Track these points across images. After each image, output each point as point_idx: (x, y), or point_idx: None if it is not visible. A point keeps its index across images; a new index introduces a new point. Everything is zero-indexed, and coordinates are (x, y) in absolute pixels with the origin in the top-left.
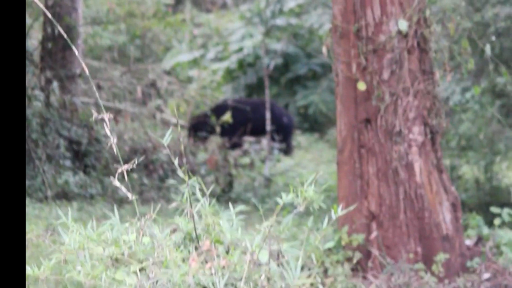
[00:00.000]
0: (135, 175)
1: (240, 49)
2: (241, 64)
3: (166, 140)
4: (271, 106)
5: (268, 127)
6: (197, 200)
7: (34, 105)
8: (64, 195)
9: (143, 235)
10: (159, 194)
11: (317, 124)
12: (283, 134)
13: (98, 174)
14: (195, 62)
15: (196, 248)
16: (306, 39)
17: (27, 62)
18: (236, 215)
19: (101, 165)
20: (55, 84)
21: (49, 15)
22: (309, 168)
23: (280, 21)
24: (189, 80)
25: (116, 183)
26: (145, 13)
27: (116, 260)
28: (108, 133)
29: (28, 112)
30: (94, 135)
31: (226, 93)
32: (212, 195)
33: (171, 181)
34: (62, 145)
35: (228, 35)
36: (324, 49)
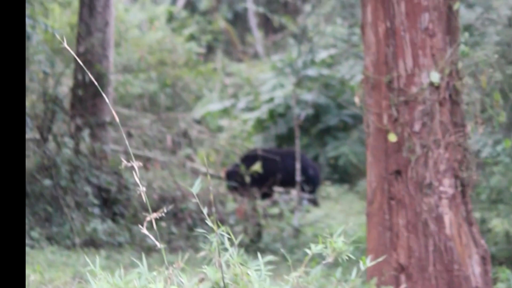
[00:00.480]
0: (163, 224)
1: (271, 99)
2: (272, 114)
3: (196, 189)
4: (291, 157)
5: (298, 177)
6: (226, 250)
7: (64, 152)
8: (92, 243)
9: (170, 284)
10: (187, 243)
11: (347, 175)
12: (310, 185)
13: (127, 222)
14: (225, 112)
15: None
16: (337, 90)
17: (57, 109)
18: (264, 265)
19: (129, 213)
20: (85, 132)
21: (80, 63)
22: (339, 219)
23: (311, 72)
24: (219, 129)
25: (145, 231)
26: (176, 61)
27: None
28: (138, 181)
29: (58, 159)
30: (123, 183)
31: (257, 143)
32: (240, 245)
33: (199, 230)
34: (91, 192)
35: (259, 85)
36: (356, 100)
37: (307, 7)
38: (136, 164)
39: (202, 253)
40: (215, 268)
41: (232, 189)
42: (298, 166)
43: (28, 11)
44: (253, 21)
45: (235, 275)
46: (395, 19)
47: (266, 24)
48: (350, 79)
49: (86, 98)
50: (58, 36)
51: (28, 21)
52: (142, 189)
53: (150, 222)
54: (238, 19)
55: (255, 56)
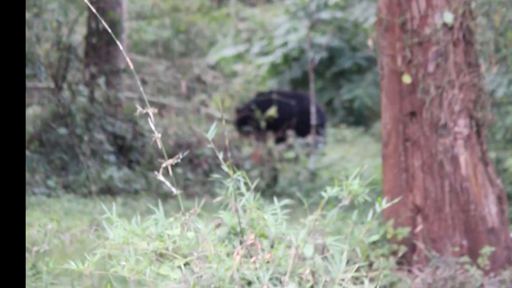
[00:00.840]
0: (179, 170)
1: (285, 43)
2: (286, 58)
3: (211, 134)
4: (303, 100)
5: (313, 121)
6: (242, 195)
7: (79, 100)
8: (108, 190)
9: (187, 230)
10: (203, 189)
11: (362, 118)
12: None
13: (143, 169)
14: (239, 57)
15: (240, 243)
16: (351, 32)
17: (71, 57)
18: (280, 209)
19: (145, 160)
20: (100, 79)
21: (94, 10)
22: (354, 162)
23: (325, 15)
24: (234, 74)
25: (161, 177)
26: (189, 7)
27: (161, 255)
28: (153, 127)
29: (72, 107)
30: (138, 130)
31: (271, 88)
32: (256, 189)
33: (215, 176)
34: (106, 140)
35: (272, 29)
36: (369, 42)
37: None
38: (151, 110)
39: (218, 198)
40: (232, 213)
41: (245, 133)
42: (313, 109)
43: None
44: None
45: (251, 219)
46: None
47: None
48: (364, 22)
49: (100, 46)
50: None
51: None
52: (158, 135)
53: (166, 168)
54: None
55: (268, 0)
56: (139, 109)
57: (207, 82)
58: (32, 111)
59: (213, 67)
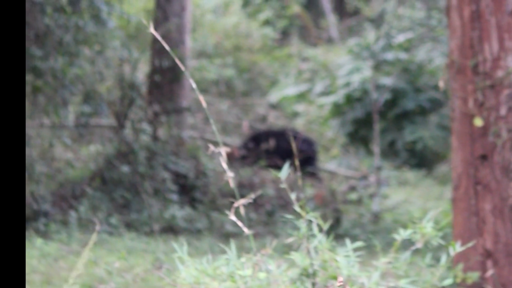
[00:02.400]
0: (242, 210)
1: (348, 84)
2: (349, 99)
3: (284, 174)
4: (293, 135)
5: (377, 162)
6: (313, 236)
7: (142, 138)
8: (170, 229)
9: (259, 271)
10: (266, 229)
11: (424, 160)
12: (307, 159)
13: (205, 208)
14: (301, 96)
15: (313, 285)
16: (415, 74)
17: (134, 95)
18: (352, 252)
19: (208, 199)
20: (163, 118)
21: (164, 44)
22: (417, 204)
23: (389, 56)
24: (295, 114)
25: (233, 217)
26: (252, 47)
27: None
28: (225, 167)
29: (135, 145)
30: (201, 169)
31: (333, 128)
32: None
33: (288, 216)
34: (169, 178)
35: (335, 69)
36: (440, 84)
37: None
38: (223, 149)
39: (290, 239)
40: (303, 254)
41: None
42: (376, 150)
43: None
44: (327, 5)
45: (324, 261)
46: (480, 2)
47: (340, 8)
48: (429, 63)
49: (163, 84)
50: (143, 21)
51: (103, 7)
52: (230, 175)
53: (231, 208)
54: (312, 3)
55: (329, 40)
56: (212, 148)
57: (269, 122)
58: (95, 149)
59: (274, 107)
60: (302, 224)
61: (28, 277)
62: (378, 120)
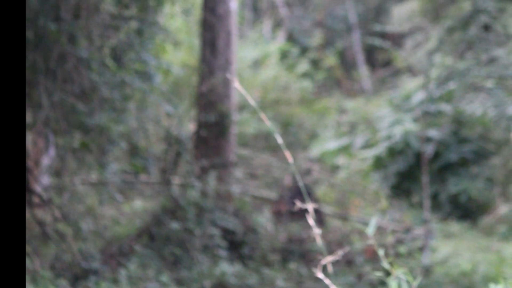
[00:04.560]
0: (292, 265)
1: (389, 136)
2: (391, 152)
3: (371, 230)
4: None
5: (427, 214)
6: None
7: (190, 194)
8: (221, 286)
9: None
10: (317, 285)
11: (468, 212)
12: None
13: (255, 264)
14: (342, 150)
15: None
16: (466, 125)
17: (180, 150)
18: None
19: (258, 255)
20: (212, 173)
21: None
22: (466, 257)
23: (431, 108)
24: (335, 167)
25: (320, 275)
26: (290, 99)
27: None
28: (313, 223)
29: (183, 201)
30: (249, 225)
31: (376, 182)
32: (371, 285)
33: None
34: (218, 234)
35: (375, 122)
36: None
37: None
38: (310, 206)
39: None
40: None
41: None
42: (426, 202)
43: (151, 52)
44: (359, 57)
45: None
46: None
47: (371, 60)
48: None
49: (209, 139)
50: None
51: (151, 61)
52: (318, 231)
53: (280, 263)
54: (345, 56)
55: (361, 92)
56: (298, 204)
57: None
58: (141, 205)
59: (315, 160)
60: (392, 281)
61: None
62: (421, 172)
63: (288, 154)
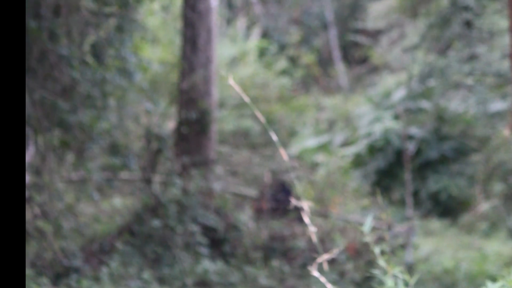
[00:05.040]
0: (275, 263)
1: (369, 134)
2: (371, 149)
3: (368, 228)
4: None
5: (409, 211)
6: None
7: (171, 192)
8: (203, 284)
9: None
10: (300, 282)
11: (449, 209)
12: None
13: (238, 261)
14: (322, 147)
15: None
16: (450, 123)
17: (161, 147)
18: None
19: (240, 252)
20: (193, 171)
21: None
22: (448, 254)
23: (411, 105)
24: (315, 165)
25: (316, 274)
26: (268, 97)
27: None
28: (308, 221)
29: (164, 199)
30: (230, 222)
31: (356, 179)
32: (353, 282)
33: (375, 271)
34: (199, 232)
35: (355, 119)
36: (506, 132)
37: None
38: (306, 204)
39: None
40: None
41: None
42: (409, 200)
43: (130, 48)
44: (336, 54)
45: None
46: None
47: (347, 57)
48: (455, 111)
49: (190, 136)
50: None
51: (132, 58)
52: (313, 230)
53: (261, 260)
54: (322, 54)
55: (338, 88)
56: (294, 203)
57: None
58: (121, 203)
59: (295, 158)
60: (388, 279)
61: None
62: (400, 170)
63: (283, 152)
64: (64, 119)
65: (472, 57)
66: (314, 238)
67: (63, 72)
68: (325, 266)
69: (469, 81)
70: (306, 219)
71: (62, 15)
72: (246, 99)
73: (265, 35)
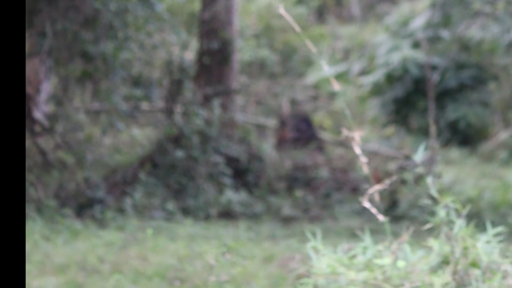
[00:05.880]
0: (298, 193)
1: (387, 63)
2: (389, 78)
3: (420, 155)
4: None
5: (433, 141)
6: (451, 222)
7: (193, 123)
8: (227, 214)
9: (397, 259)
10: (324, 213)
11: (467, 138)
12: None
13: (261, 192)
14: (339, 77)
15: (454, 273)
16: (474, 51)
17: (183, 77)
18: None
19: (263, 183)
20: (216, 101)
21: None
22: (469, 183)
23: (428, 33)
24: (333, 94)
25: (367, 204)
26: (284, 26)
27: (370, 285)
28: (359, 152)
29: (187, 129)
30: (253, 153)
31: (374, 107)
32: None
33: (425, 201)
34: (222, 162)
35: (372, 48)
36: None
37: None
38: (356, 134)
39: (428, 226)
40: (443, 241)
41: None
42: (432, 129)
43: None
44: None
45: (464, 248)
46: None
47: None
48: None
49: (212, 66)
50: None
51: None
52: (365, 160)
53: (285, 190)
54: None
55: (350, 18)
56: (344, 132)
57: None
58: (141, 133)
59: (313, 87)
60: (440, 209)
61: (97, 267)
62: (419, 99)
63: (335, 83)
64: (86, 49)
65: None
66: (366, 170)
67: (86, 2)
68: (377, 197)
69: (489, 8)
70: (357, 149)
71: None
72: (297, 28)
73: None
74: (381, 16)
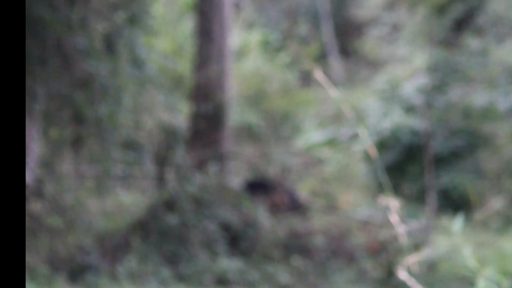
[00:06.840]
0: (294, 260)
1: (378, 131)
2: (380, 146)
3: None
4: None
5: (431, 203)
6: None
7: (186, 188)
8: (221, 282)
9: None
10: (321, 280)
11: (460, 206)
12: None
13: (257, 259)
14: (328, 142)
15: None
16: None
17: (175, 141)
18: None
19: (258, 250)
20: (211, 167)
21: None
22: (466, 251)
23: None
24: (321, 160)
25: (403, 276)
26: (272, 91)
27: None
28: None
29: (180, 194)
30: (249, 219)
31: (365, 173)
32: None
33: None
34: (217, 229)
35: (361, 112)
36: None
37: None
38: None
39: None
40: None
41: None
42: (431, 196)
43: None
44: (333, 47)
45: None
46: None
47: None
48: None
49: (205, 131)
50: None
51: (142, 49)
52: (401, 231)
53: (282, 258)
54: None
55: (333, 83)
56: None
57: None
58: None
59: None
60: (480, 282)
61: None
62: (411, 164)
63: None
64: (81, 112)
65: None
66: (405, 240)
67: (79, 63)
68: (415, 268)
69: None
70: (394, 218)
71: (77, 4)
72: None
73: (254, 27)
74: (365, 80)
